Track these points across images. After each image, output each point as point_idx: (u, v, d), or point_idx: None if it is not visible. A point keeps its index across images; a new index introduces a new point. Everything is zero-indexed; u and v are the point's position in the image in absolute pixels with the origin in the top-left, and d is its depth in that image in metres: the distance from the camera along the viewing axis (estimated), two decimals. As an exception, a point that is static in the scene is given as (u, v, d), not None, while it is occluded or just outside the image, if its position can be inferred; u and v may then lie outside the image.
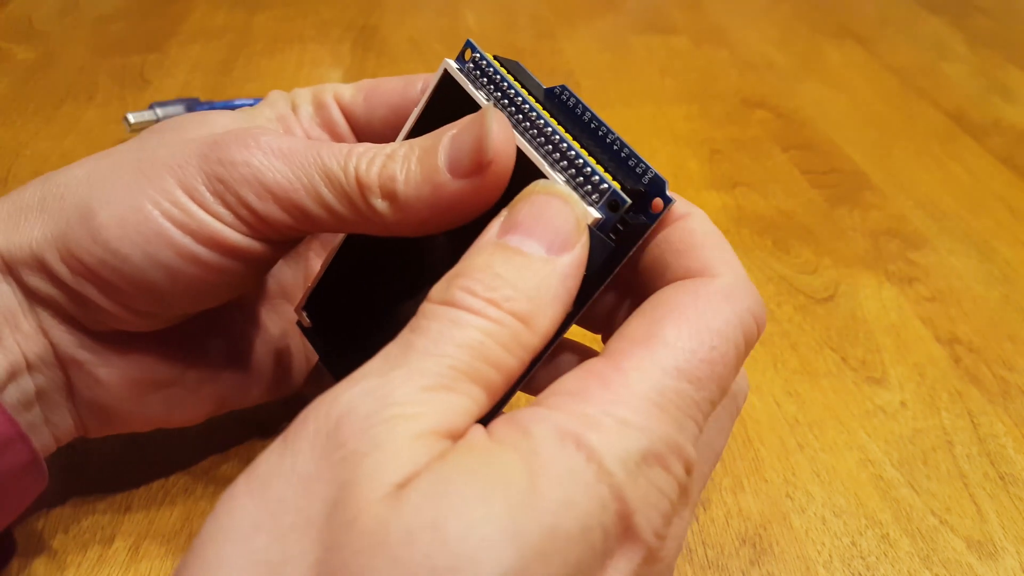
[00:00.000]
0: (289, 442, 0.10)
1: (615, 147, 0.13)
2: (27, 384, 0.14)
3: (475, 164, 0.12)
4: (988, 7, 0.48)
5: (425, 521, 0.09)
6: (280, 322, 0.18)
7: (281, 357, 0.18)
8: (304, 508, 0.09)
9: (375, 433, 0.09)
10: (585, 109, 0.13)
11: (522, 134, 0.13)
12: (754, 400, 0.21)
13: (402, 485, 0.09)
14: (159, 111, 0.32)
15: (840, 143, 0.34)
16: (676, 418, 0.10)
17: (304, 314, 0.17)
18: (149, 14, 0.45)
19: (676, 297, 0.11)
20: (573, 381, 0.11)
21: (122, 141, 0.36)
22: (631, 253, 0.12)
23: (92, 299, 0.14)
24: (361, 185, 0.13)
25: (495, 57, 0.14)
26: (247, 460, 0.17)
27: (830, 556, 0.17)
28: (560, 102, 0.14)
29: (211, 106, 0.34)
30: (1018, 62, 0.41)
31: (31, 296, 0.14)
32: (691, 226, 0.12)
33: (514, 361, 0.11)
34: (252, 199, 0.13)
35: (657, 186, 0.12)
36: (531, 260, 0.11)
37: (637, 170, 0.13)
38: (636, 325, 0.11)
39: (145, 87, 0.37)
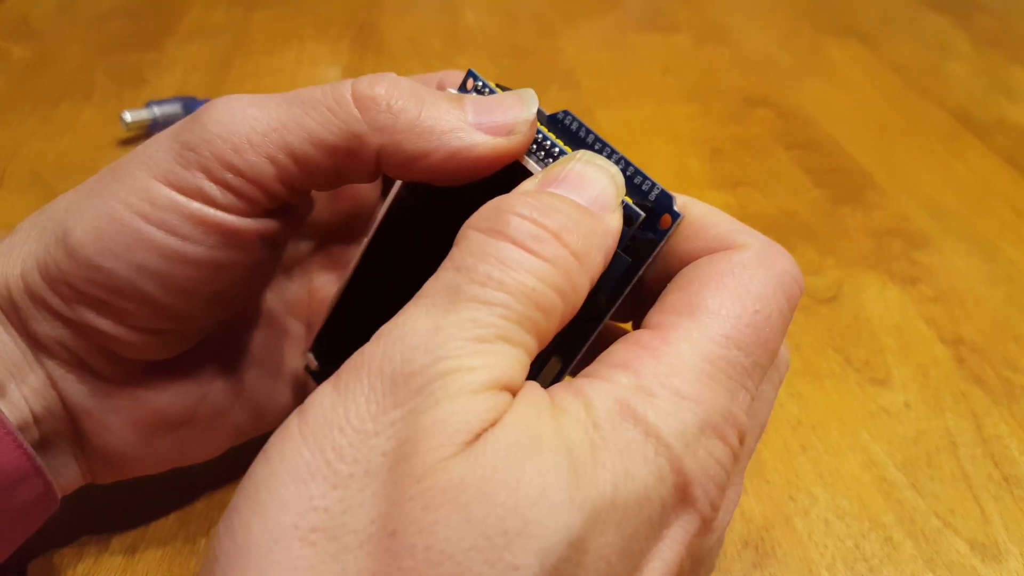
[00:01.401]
0: (342, 391, 0.09)
1: (620, 166, 0.13)
2: (32, 435, 0.14)
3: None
4: (991, 6, 0.48)
5: (499, 482, 0.09)
6: (288, 340, 0.17)
7: (296, 376, 0.17)
8: (363, 460, 0.09)
9: (433, 389, 0.09)
10: (588, 131, 0.13)
11: (530, 155, 0.13)
12: (756, 401, 0.21)
13: (469, 443, 0.09)
14: (156, 110, 0.32)
15: (843, 142, 0.33)
16: (728, 387, 0.10)
17: (311, 356, 0.16)
18: (146, 12, 0.45)
19: (712, 267, 0.11)
20: (623, 353, 0.11)
21: (119, 140, 0.36)
22: (643, 270, 0.12)
23: (92, 324, 0.13)
24: (357, 96, 0.12)
25: (497, 85, 0.14)
26: (247, 460, 0.17)
27: (833, 559, 0.17)
28: (564, 126, 0.14)
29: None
30: (1021, 61, 0.41)
31: (36, 345, 0.13)
32: (697, 211, 0.12)
33: (565, 307, 0.11)
34: (230, 155, 0.12)
35: (664, 202, 0.12)
36: (578, 205, 0.11)
37: (643, 187, 0.12)
38: (676, 298, 0.11)
39: (142, 86, 0.37)
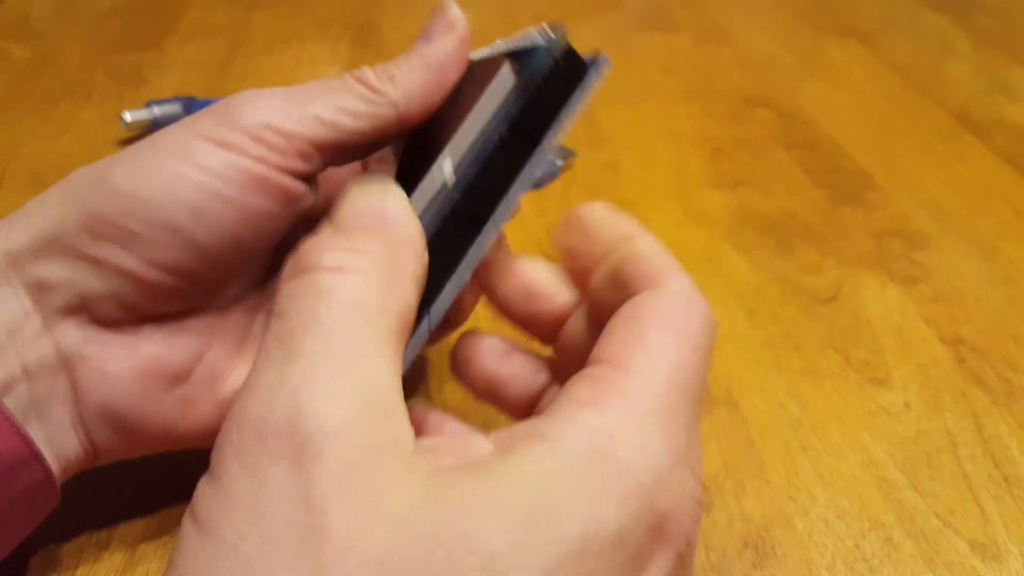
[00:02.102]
0: (215, 473, 0.09)
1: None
2: (22, 394, 0.13)
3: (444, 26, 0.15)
4: (991, 6, 0.48)
5: (445, 551, 0.08)
6: None
7: None
8: (265, 530, 0.09)
9: (306, 440, 0.09)
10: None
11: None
12: (757, 402, 0.21)
13: (383, 504, 0.09)
14: (156, 110, 0.32)
15: (843, 142, 0.33)
16: (686, 418, 0.11)
17: None
18: (146, 12, 0.45)
19: (649, 304, 0.12)
20: (586, 390, 0.11)
21: (119, 140, 0.36)
22: (571, 100, 0.13)
23: (116, 263, 0.13)
24: (363, 81, 0.14)
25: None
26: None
27: (833, 559, 0.17)
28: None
29: (208, 104, 0.34)
30: (1021, 61, 0.41)
31: (38, 291, 0.14)
32: (639, 247, 0.13)
33: (398, 301, 0.11)
34: (267, 118, 0.14)
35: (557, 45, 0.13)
36: (368, 227, 0.12)
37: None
38: (622, 334, 0.11)
39: (142, 86, 0.37)
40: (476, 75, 0.14)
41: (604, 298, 0.13)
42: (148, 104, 0.32)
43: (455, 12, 0.15)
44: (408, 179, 0.13)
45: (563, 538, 0.09)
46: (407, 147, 0.16)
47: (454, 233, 0.13)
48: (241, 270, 0.15)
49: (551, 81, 0.13)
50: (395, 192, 0.13)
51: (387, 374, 0.10)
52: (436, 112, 0.15)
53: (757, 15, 0.46)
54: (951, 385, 0.22)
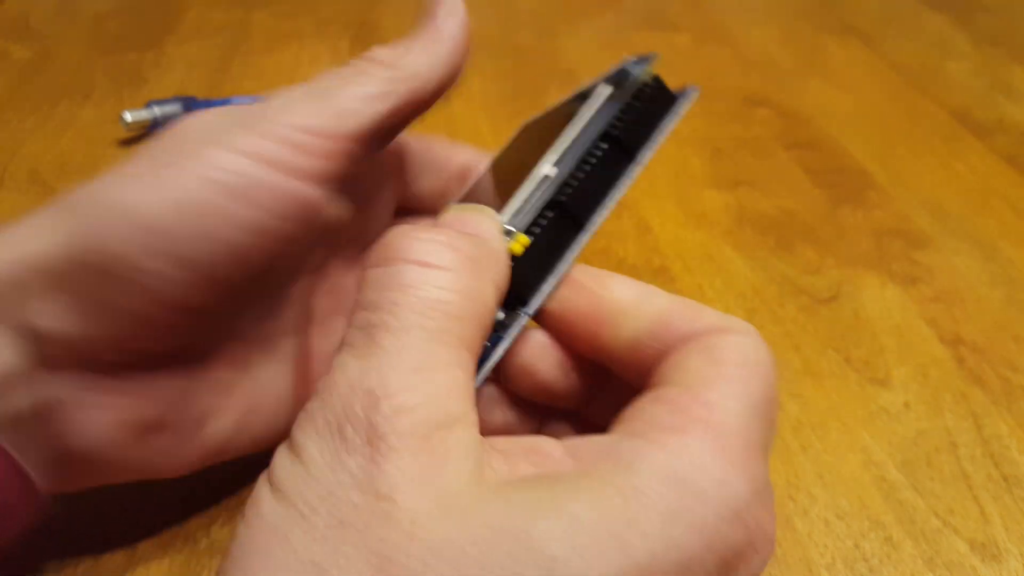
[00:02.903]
0: (296, 450, 0.10)
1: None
2: None
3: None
4: (992, 5, 0.48)
5: (508, 545, 0.08)
6: (285, 367, 0.16)
7: (281, 398, 0.16)
8: (335, 512, 0.09)
9: (382, 435, 0.09)
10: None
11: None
12: (756, 401, 0.21)
13: (453, 496, 0.09)
14: (157, 109, 0.32)
15: (843, 142, 0.33)
16: (763, 456, 0.10)
17: None
18: (146, 12, 0.45)
19: (725, 341, 0.11)
20: (666, 415, 0.10)
21: (119, 140, 0.36)
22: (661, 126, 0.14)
23: (121, 302, 0.12)
24: (378, 61, 0.14)
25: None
26: (245, 462, 0.17)
27: (833, 559, 0.17)
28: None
29: (208, 104, 0.34)
30: (1022, 60, 0.41)
31: (23, 335, 0.12)
32: (679, 304, 0.12)
33: (478, 309, 0.11)
34: (299, 121, 0.13)
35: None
36: (461, 232, 0.12)
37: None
38: (698, 364, 0.11)
39: (142, 85, 0.37)
40: (571, 104, 0.15)
41: (629, 355, 0.12)
42: (148, 104, 0.32)
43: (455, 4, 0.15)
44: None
45: (629, 554, 0.09)
46: (500, 180, 0.16)
47: (554, 230, 0.13)
48: (266, 294, 0.14)
49: (644, 101, 0.14)
50: (490, 214, 0.13)
51: (461, 378, 0.10)
52: (530, 145, 0.15)
53: (757, 15, 0.46)
54: (951, 385, 0.22)
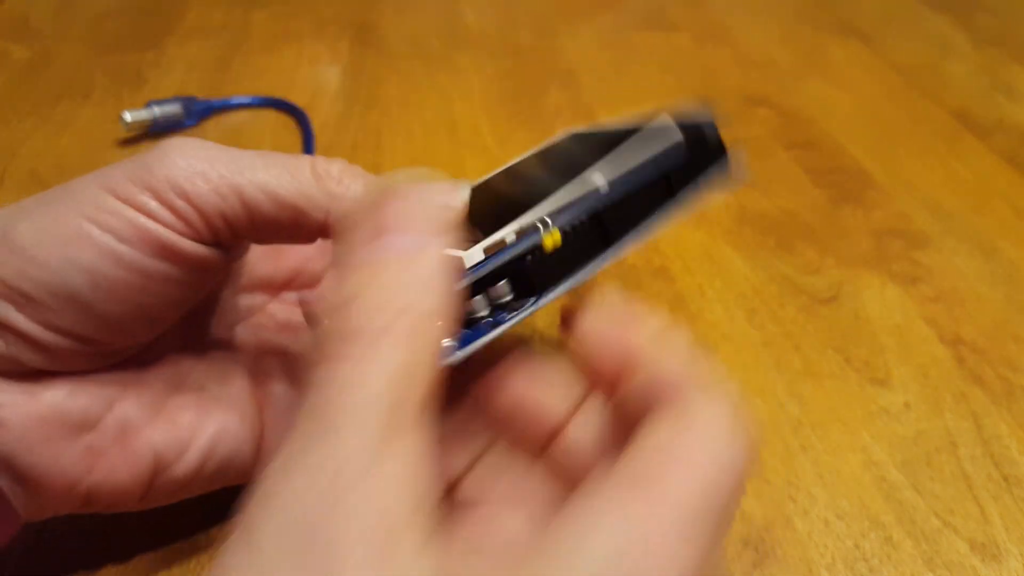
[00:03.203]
0: (248, 534, 0.09)
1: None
2: None
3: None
4: (992, 5, 0.47)
5: None
6: (225, 380, 0.16)
7: (253, 390, 0.16)
8: None
9: (326, 557, 0.09)
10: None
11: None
12: (757, 402, 0.21)
13: None
14: (156, 109, 0.32)
15: (843, 142, 0.33)
16: (714, 538, 0.10)
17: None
18: (146, 12, 0.45)
19: (693, 415, 0.11)
20: (616, 490, 0.10)
21: (119, 140, 0.36)
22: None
23: (10, 323, 0.13)
24: (314, 166, 0.14)
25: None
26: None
27: (833, 559, 0.17)
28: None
29: (208, 104, 0.34)
30: (1022, 60, 0.41)
31: None
32: (674, 358, 0.12)
33: (426, 369, 0.10)
34: (181, 181, 0.13)
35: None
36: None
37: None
38: (662, 440, 0.11)
39: (142, 85, 0.37)
40: (628, 130, 0.15)
41: (633, 406, 0.12)
42: (148, 104, 0.32)
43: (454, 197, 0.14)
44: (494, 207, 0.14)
45: None
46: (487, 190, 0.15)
47: (586, 239, 0.14)
48: (151, 331, 0.14)
49: (704, 154, 0.15)
50: (411, 265, 0.11)
51: (409, 467, 0.10)
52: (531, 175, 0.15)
53: (757, 14, 0.46)
54: (951, 385, 0.22)
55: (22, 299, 0.13)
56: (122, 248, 0.13)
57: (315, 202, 0.14)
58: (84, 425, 0.14)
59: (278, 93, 0.36)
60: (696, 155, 0.15)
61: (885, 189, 0.30)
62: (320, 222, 0.14)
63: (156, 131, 0.33)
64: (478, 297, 0.13)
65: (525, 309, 0.13)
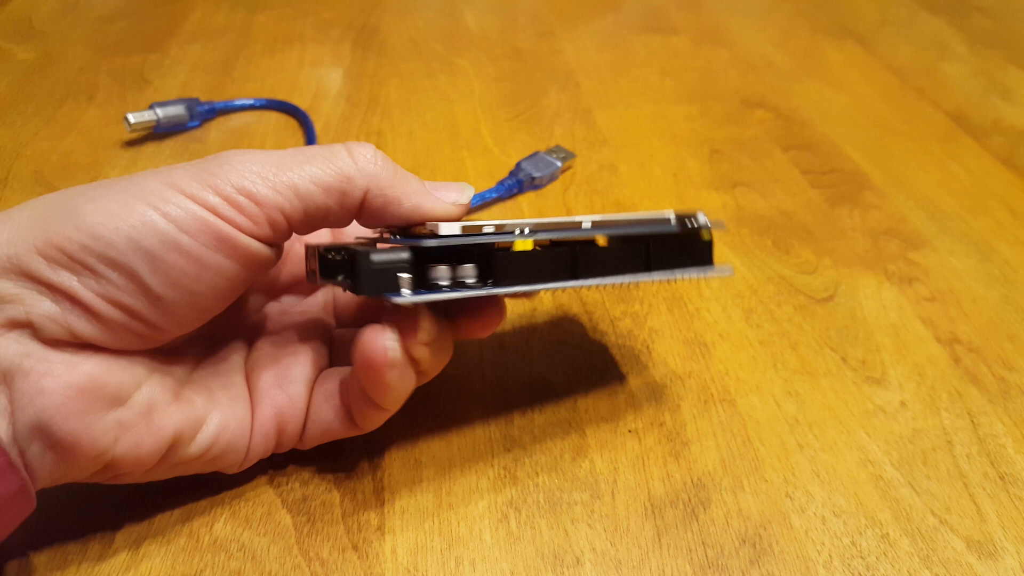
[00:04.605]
0: None
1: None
2: None
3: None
4: (988, 7, 0.48)
5: None
6: (229, 373, 0.17)
7: (247, 386, 0.17)
8: None
9: None
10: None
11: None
12: (754, 400, 0.21)
13: None
14: (159, 111, 0.32)
15: (840, 143, 0.34)
16: None
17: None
18: (149, 14, 0.45)
19: None
20: None
21: (123, 141, 0.36)
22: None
23: (68, 290, 0.14)
24: (349, 148, 0.16)
25: None
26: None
27: (830, 556, 0.17)
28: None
29: (211, 106, 0.34)
30: (1018, 62, 0.41)
31: None
32: None
33: None
34: (243, 180, 0.14)
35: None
36: None
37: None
38: None
39: (145, 87, 0.37)
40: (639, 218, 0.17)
41: None
42: (151, 106, 0.32)
43: (462, 197, 0.17)
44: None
45: None
46: None
47: (557, 261, 0.16)
48: (197, 320, 0.15)
49: (691, 246, 0.16)
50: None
51: None
52: None
53: (755, 17, 0.46)
54: (947, 384, 0.22)
55: (85, 271, 0.14)
56: (184, 238, 0.14)
57: (355, 183, 0.15)
58: (116, 399, 0.15)
59: (280, 95, 0.36)
60: (684, 245, 0.16)
61: (881, 190, 0.30)
62: (359, 201, 0.16)
63: (160, 132, 0.33)
64: (443, 267, 0.15)
65: (474, 289, 0.15)
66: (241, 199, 0.14)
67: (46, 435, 0.14)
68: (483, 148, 0.33)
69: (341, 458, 0.19)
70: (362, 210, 0.16)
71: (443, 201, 0.16)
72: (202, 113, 0.34)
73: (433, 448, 0.19)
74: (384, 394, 0.16)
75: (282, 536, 0.17)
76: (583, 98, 0.37)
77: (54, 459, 0.14)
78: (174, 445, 0.16)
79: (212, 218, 0.14)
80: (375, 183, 0.15)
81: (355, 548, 0.17)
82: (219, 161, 0.15)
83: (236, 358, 0.18)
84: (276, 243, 0.15)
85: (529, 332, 0.23)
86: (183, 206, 0.14)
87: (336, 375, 0.18)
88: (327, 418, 0.17)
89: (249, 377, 0.17)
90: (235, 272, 0.15)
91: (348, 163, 0.15)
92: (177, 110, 0.33)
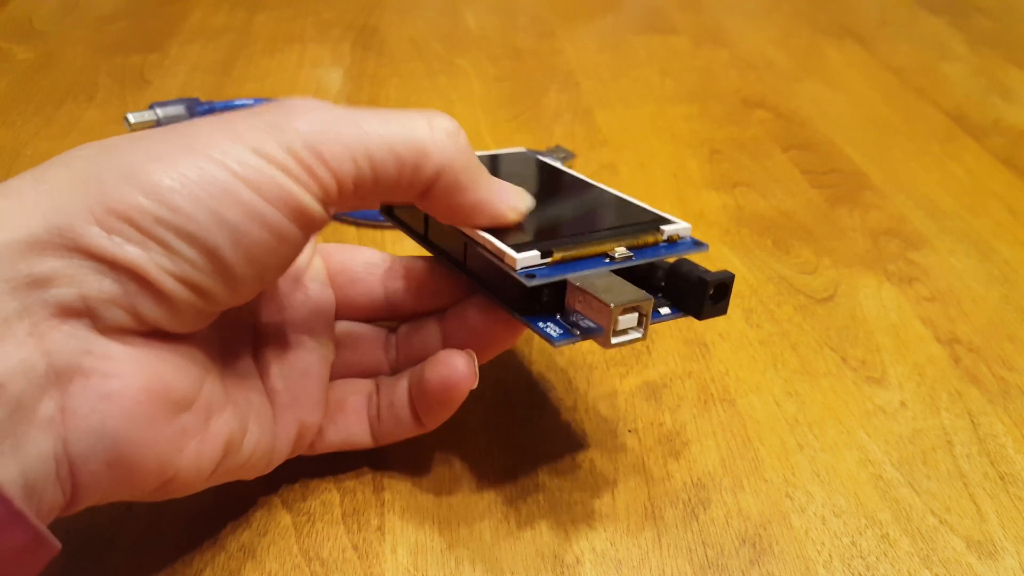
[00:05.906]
0: None
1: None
2: None
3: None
4: (988, 7, 0.48)
5: None
6: (251, 375, 0.15)
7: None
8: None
9: None
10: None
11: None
12: (754, 400, 0.21)
13: None
14: (159, 111, 0.32)
15: (840, 143, 0.34)
16: None
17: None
18: (149, 14, 0.45)
19: None
20: None
21: (122, 141, 0.36)
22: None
23: (134, 266, 0.11)
24: (429, 119, 0.14)
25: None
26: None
27: (830, 556, 0.17)
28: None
29: (211, 106, 0.34)
30: (1018, 62, 0.41)
31: (29, 287, 0.11)
32: None
33: None
34: (320, 144, 0.12)
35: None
36: None
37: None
38: None
39: (145, 87, 0.37)
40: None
41: None
42: (151, 106, 0.32)
43: (524, 204, 0.16)
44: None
45: None
46: None
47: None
48: (252, 295, 0.13)
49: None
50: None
51: None
52: None
53: (755, 17, 0.46)
54: (947, 384, 0.22)
55: (157, 246, 0.11)
56: (268, 210, 0.12)
57: (431, 159, 0.13)
58: (184, 403, 0.13)
59: (281, 95, 0.36)
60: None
61: (881, 190, 0.30)
62: (430, 180, 0.14)
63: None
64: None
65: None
66: (315, 163, 0.12)
67: (110, 449, 0.11)
68: (483, 148, 0.33)
69: (341, 458, 0.19)
70: (429, 192, 0.14)
71: (509, 205, 0.15)
72: (202, 113, 0.34)
73: (433, 448, 0.19)
74: (452, 408, 0.16)
75: (282, 536, 0.17)
76: (583, 98, 0.37)
77: (111, 478, 0.12)
78: (226, 453, 0.14)
79: (290, 184, 0.12)
80: (451, 164, 0.14)
81: (355, 548, 0.17)
82: (288, 112, 0.12)
83: (246, 356, 0.16)
84: (333, 212, 0.13)
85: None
86: (261, 170, 0.12)
87: (361, 389, 0.17)
88: (352, 431, 0.17)
89: (263, 378, 0.16)
90: (301, 242, 0.13)
91: (427, 134, 0.13)
92: (177, 110, 0.33)
